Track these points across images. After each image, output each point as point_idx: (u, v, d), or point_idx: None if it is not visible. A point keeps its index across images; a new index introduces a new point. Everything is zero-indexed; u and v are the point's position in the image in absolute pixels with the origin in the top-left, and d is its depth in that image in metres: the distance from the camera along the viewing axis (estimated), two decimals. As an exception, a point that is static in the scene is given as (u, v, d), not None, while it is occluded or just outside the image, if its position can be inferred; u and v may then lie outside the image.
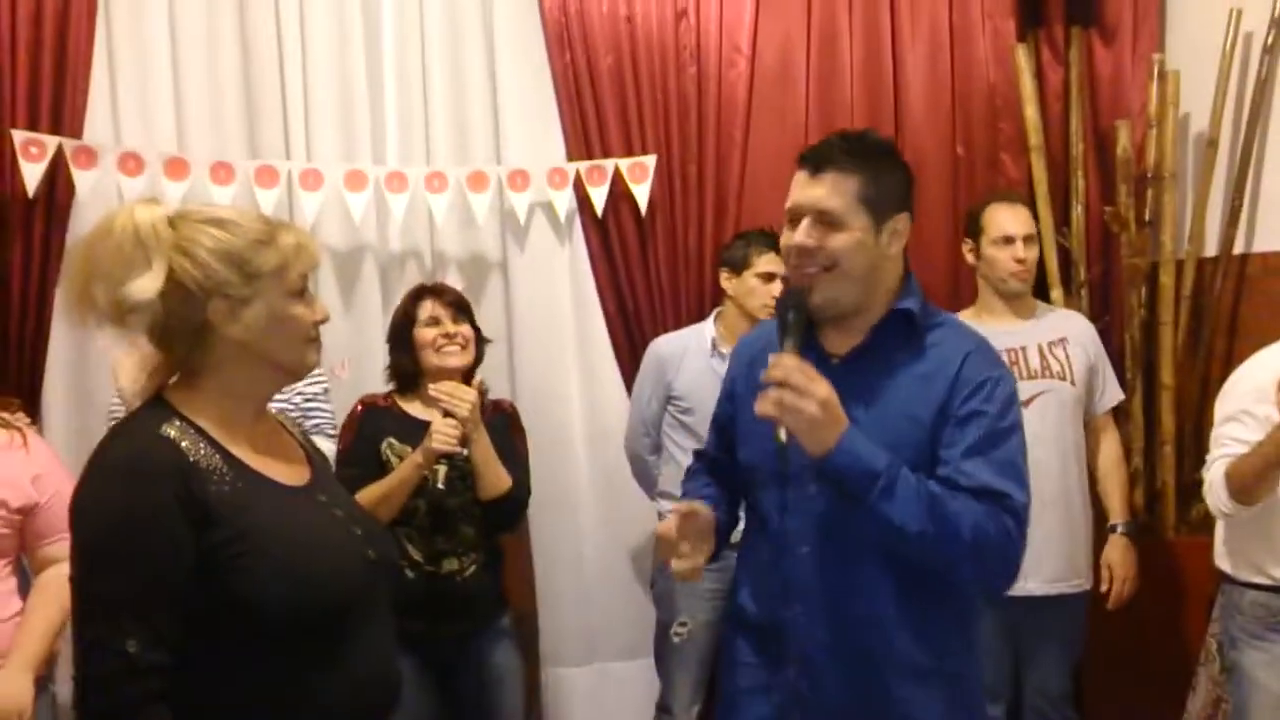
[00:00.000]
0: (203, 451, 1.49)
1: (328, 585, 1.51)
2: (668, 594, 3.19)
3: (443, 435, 2.57)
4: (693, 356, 3.18)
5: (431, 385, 2.66)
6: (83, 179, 3.09)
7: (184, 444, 1.48)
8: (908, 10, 3.67)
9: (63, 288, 1.54)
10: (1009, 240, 3.00)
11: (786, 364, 1.65)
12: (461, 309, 2.82)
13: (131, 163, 3.15)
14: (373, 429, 2.75)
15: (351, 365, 3.34)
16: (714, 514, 1.87)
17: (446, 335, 2.75)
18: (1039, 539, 2.83)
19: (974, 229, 3.08)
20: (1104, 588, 3.03)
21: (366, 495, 2.61)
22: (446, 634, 2.71)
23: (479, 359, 2.85)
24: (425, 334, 2.76)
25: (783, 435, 1.65)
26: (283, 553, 1.48)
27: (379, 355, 3.45)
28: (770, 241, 3.15)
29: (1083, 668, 3.13)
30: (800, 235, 1.78)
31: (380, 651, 1.61)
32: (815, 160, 1.81)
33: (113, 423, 2.42)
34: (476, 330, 2.84)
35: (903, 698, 1.77)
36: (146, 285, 1.44)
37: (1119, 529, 3.06)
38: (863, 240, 1.78)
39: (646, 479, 3.35)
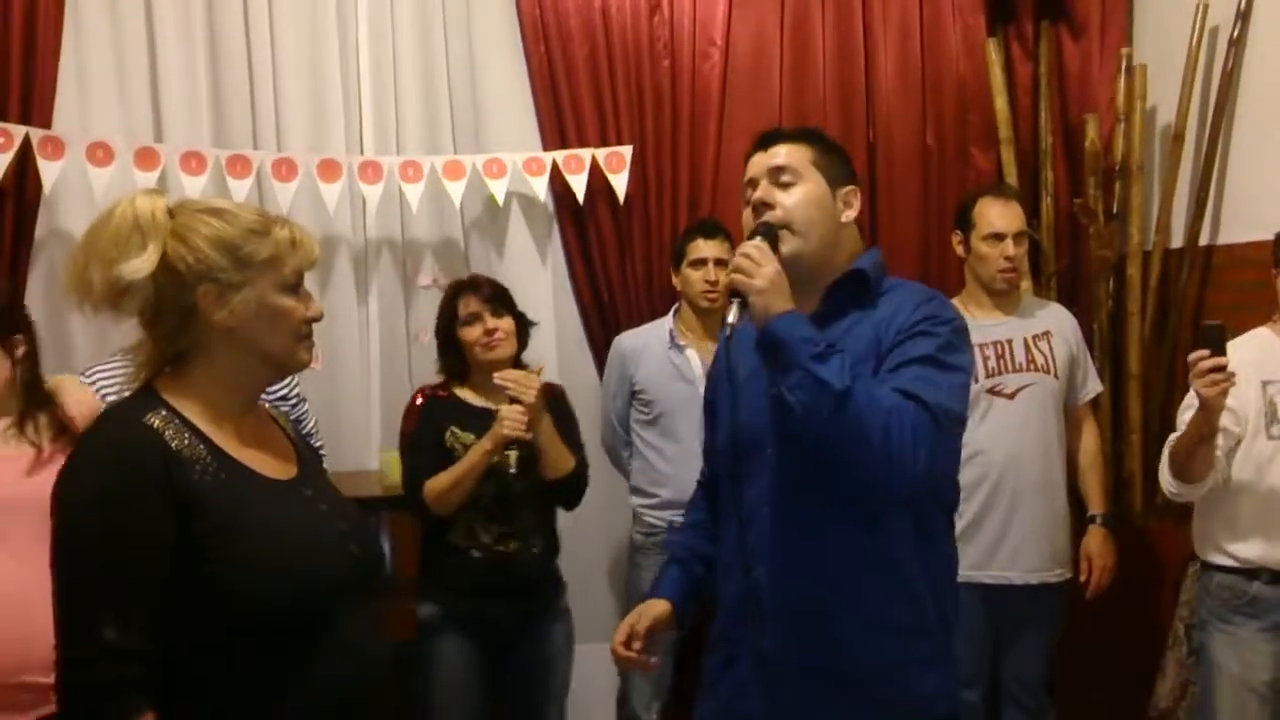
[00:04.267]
0: (186, 441, 1.48)
1: (306, 579, 1.50)
2: (638, 585, 3.21)
3: (513, 421, 2.63)
4: (653, 350, 3.24)
5: (496, 374, 2.70)
6: (50, 169, 3.05)
7: (167, 433, 1.48)
8: (879, 4, 3.70)
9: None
10: (999, 237, 3.00)
11: (746, 247, 1.76)
12: (500, 300, 2.84)
13: (100, 152, 3.11)
14: (435, 418, 2.80)
15: (325, 355, 3.34)
16: (668, 616, 1.99)
17: (488, 331, 2.79)
18: (1021, 529, 2.92)
19: (964, 222, 3.07)
20: (1083, 578, 3.06)
21: (436, 482, 2.69)
22: (509, 614, 2.76)
23: (524, 344, 2.89)
24: (469, 333, 2.80)
25: (732, 316, 1.74)
26: (262, 545, 1.48)
27: (353, 345, 3.47)
28: (701, 229, 3.24)
29: (1053, 652, 3.17)
30: (760, 191, 1.86)
31: (362, 647, 1.60)
32: (764, 140, 1.93)
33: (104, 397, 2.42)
34: (519, 316, 2.87)
35: (866, 654, 1.78)
36: (139, 265, 1.46)
37: (1098, 519, 3.10)
38: (820, 195, 1.86)
39: (623, 472, 3.39)
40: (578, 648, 3.00)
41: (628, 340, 3.31)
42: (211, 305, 1.51)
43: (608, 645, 3.42)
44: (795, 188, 1.85)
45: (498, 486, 2.72)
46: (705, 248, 3.19)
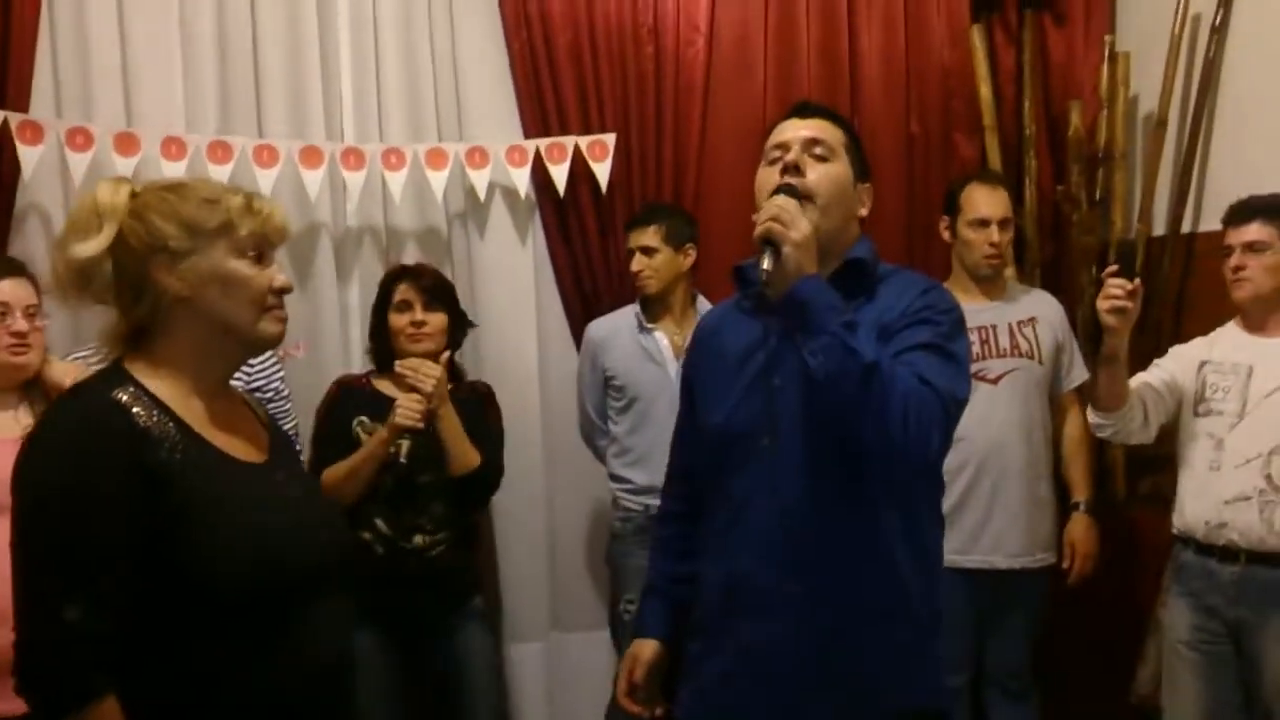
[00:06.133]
0: (155, 419, 1.47)
1: (273, 562, 1.48)
2: (618, 571, 3.21)
3: (406, 410, 2.61)
4: (622, 336, 3.25)
5: (397, 362, 2.69)
6: (29, 154, 3.01)
7: (135, 409, 1.46)
8: (865, -10, 3.69)
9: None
10: (984, 223, 3.01)
11: (781, 200, 1.73)
12: (435, 294, 2.82)
13: (80, 138, 3.07)
14: (345, 408, 2.78)
15: (308, 345, 3.31)
16: (660, 655, 2.02)
17: (415, 323, 2.77)
18: (1005, 514, 2.94)
19: (951, 207, 3.09)
20: (1065, 564, 3.08)
21: (334, 471, 2.66)
22: (413, 609, 2.72)
23: (455, 344, 2.87)
24: (396, 320, 2.79)
25: (766, 263, 1.68)
26: (230, 526, 1.46)
27: (334, 334, 3.44)
28: (634, 220, 3.28)
29: (1036, 637, 3.18)
30: (793, 154, 1.83)
31: (332, 633, 1.58)
32: (803, 108, 1.92)
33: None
34: (456, 314, 2.85)
35: (856, 645, 1.77)
36: (90, 245, 1.49)
37: (1081, 506, 3.11)
38: (847, 180, 1.86)
39: (602, 461, 3.39)
40: (564, 637, 3.02)
41: (596, 328, 3.32)
42: (164, 275, 1.51)
43: (591, 635, 3.51)
44: (828, 163, 1.85)
45: (396, 478, 2.69)
46: (631, 238, 3.23)
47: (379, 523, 2.70)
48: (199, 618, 1.44)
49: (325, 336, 3.43)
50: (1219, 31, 3.30)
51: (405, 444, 2.65)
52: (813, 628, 1.77)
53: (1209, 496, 2.62)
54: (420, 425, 2.63)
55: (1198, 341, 2.80)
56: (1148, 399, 2.68)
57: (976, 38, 3.58)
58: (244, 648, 1.46)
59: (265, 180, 3.23)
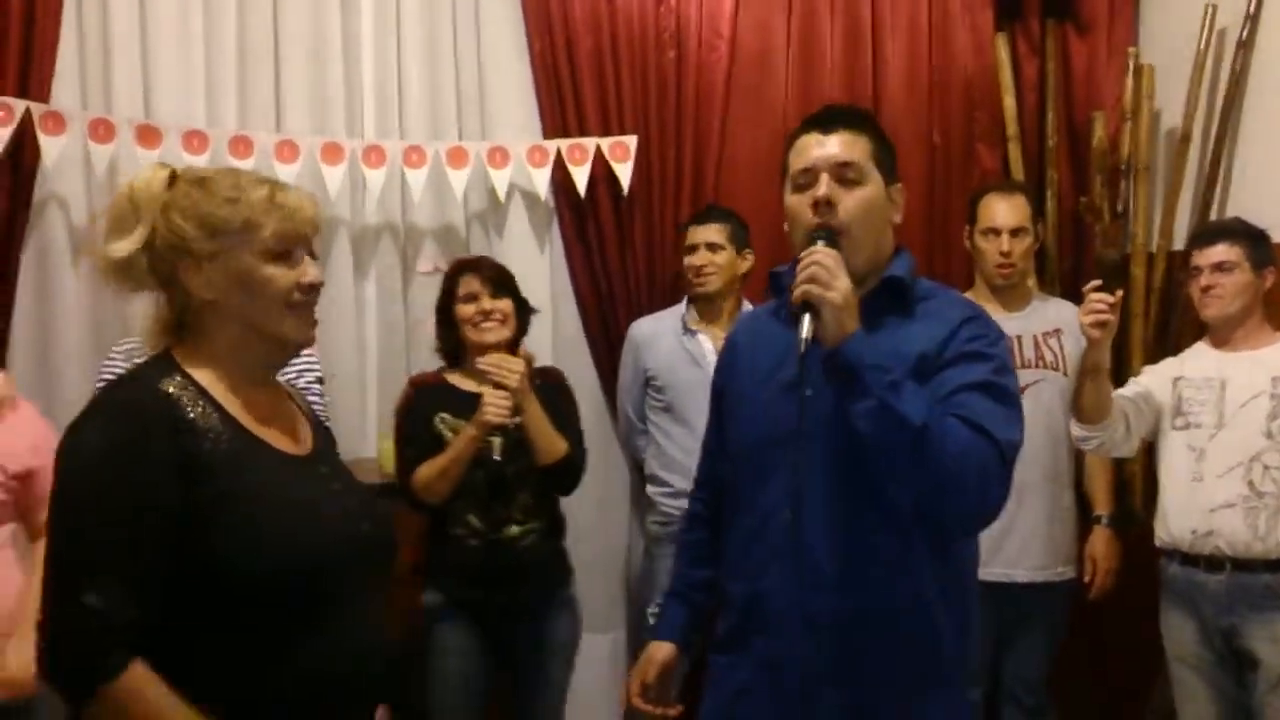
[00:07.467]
0: (201, 409, 1.46)
1: (312, 554, 1.46)
2: (647, 575, 3.19)
3: (494, 407, 2.60)
4: (666, 336, 3.24)
5: (479, 359, 2.69)
6: (50, 145, 3.00)
7: (183, 399, 1.45)
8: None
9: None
10: (995, 232, 3.00)
11: (819, 255, 1.65)
12: (499, 283, 2.81)
13: (102, 129, 3.07)
14: (425, 407, 2.78)
15: (322, 340, 3.29)
16: (674, 658, 2.00)
17: (483, 311, 2.76)
18: (1026, 527, 2.92)
19: (971, 216, 3.09)
20: (1086, 578, 3.06)
21: (425, 471, 2.67)
22: (508, 601, 2.74)
23: (524, 330, 2.87)
24: (463, 310, 2.78)
25: (806, 331, 1.62)
26: (269, 517, 1.44)
27: (350, 330, 3.43)
28: (695, 216, 3.28)
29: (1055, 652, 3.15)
30: (824, 188, 1.75)
31: (368, 627, 1.56)
32: (824, 121, 1.81)
33: (101, 385, 2.40)
34: (519, 301, 2.85)
35: (878, 665, 1.73)
36: (122, 245, 1.47)
37: (1103, 520, 3.10)
38: (879, 200, 1.79)
39: (639, 462, 3.39)
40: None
41: (640, 327, 3.31)
42: (191, 278, 1.49)
43: (606, 637, 3.49)
44: (859, 189, 1.76)
45: (488, 473, 2.69)
46: (696, 233, 3.21)
47: (472, 518, 2.71)
48: (235, 608, 1.42)
49: (340, 332, 3.42)
50: (1245, 46, 3.28)
51: (498, 441, 2.66)
52: (832, 647, 1.73)
53: (1194, 507, 2.66)
54: (510, 421, 2.63)
55: (1169, 360, 2.91)
56: (1129, 412, 2.71)
57: (1002, 47, 3.57)
58: (276, 637, 1.44)
59: (286, 176, 3.20)
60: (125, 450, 1.39)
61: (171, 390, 1.45)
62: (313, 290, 1.54)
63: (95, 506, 1.38)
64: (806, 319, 1.63)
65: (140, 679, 1.36)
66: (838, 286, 1.61)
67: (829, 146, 1.78)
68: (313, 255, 1.56)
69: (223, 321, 1.51)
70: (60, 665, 1.37)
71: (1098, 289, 2.48)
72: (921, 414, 1.58)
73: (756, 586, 1.80)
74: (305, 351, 2.87)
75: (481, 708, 2.78)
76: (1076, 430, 2.73)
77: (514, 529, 2.72)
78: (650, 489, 3.26)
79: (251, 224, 1.48)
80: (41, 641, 1.38)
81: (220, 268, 1.48)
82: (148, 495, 1.38)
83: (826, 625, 1.73)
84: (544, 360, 3.53)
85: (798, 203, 1.79)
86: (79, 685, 1.36)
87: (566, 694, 2.88)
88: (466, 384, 2.78)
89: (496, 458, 2.66)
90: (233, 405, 1.50)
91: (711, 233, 3.18)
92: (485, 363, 2.65)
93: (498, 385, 2.62)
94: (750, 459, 1.86)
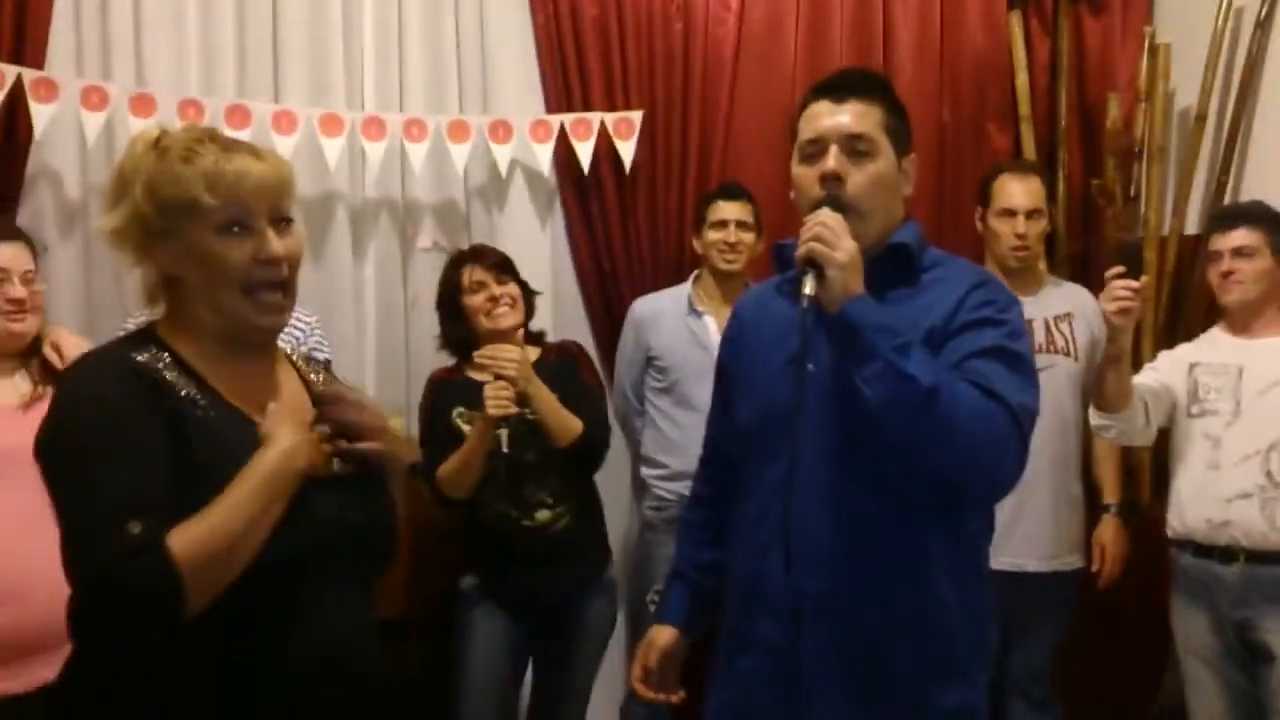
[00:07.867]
0: (180, 379, 1.40)
1: (286, 538, 1.37)
2: (645, 559, 3.14)
3: (495, 400, 2.58)
4: (669, 316, 3.18)
5: (475, 353, 2.67)
6: (42, 112, 2.94)
7: (159, 366, 1.39)
8: (899, -26, 3.61)
9: None
10: (1011, 213, 2.94)
11: (824, 216, 1.61)
12: (504, 268, 2.79)
13: (95, 97, 3.01)
14: (442, 402, 2.77)
15: (322, 317, 3.23)
16: (677, 642, 1.96)
17: (493, 298, 2.74)
18: (1034, 515, 2.87)
19: (984, 197, 3.03)
20: (1094, 567, 3.02)
21: (445, 468, 2.66)
22: (542, 585, 2.73)
23: (530, 314, 2.85)
24: (473, 301, 2.75)
25: (809, 288, 1.58)
26: None
27: (348, 306, 3.37)
28: (722, 191, 3.20)
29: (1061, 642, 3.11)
30: (833, 161, 1.69)
31: (349, 615, 1.48)
32: (836, 88, 1.75)
33: None
34: (523, 285, 2.82)
35: (888, 654, 1.68)
36: (109, 219, 1.42)
37: (1112, 509, 3.06)
38: (890, 173, 1.73)
39: (634, 442, 3.34)
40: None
41: (643, 306, 3.24)
42: (158, 254, 1.42)
43: None
44: (869, 162, 1.70)
45: (506, 463, 2.68)
46: (727, 209, 3.13)
47: (499, 507, 2.70)
48: None
49: (339, 308, 3.36)
50: (1263, 26, 3.22)
51: (504, 433, 2.63)
52: (835, 631, 1.68)
53: (1209, 496, 2.62)
54: (513, 411, 2.60)
55: (1184, 346, 2.84)
56: (1149, 400, 2.66)
57: (1015, 25, 3.51)
58: (248, 627, 1.37)
59: (283, 147, 3.13)
60: (122, 400, 1.34)
61: (143, 359, 1.39)
62: (272, 265, 1.41)
63: (104, 450, 1.31)
64: (810, 277, 1.58)
65: (180, 540, 1.28)
66: (843, 246, 1.58)
67: (840, 116, 1.72)
68: (285, 221, 1.44)
69: (193, 297, 1.43)
70: (130, 597, 1.27)
71: (1120, 275, 2.42)
72: (931, 376, 1.53)
73: (759, 564, 1.75)
74: (316, 329, 2.87)
75: (510, 693, 2.79)
76: (1096, 419, 2.68)
77: (544, 513, 2.71)
78: (645, 471, 3.22)
79: (195, 197, 1.37)
80: (99, 590, 1.28)
81: (176, 245, 1.40)
82: (150, 438, 1.33)
83: (828, 609, 1.68)
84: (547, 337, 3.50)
85: (805, 174, 1.74)
86: (164, 602, 1.27)
87: (595, 675, 2.88)
88: (482, 375, 2.74)
89: (505, 450, 2.64)
90: (212, 375, 1.43)
91: (745, 211, 3.12)
92: (481, 355, 2.64)
93: (498, 377, 2.60)
94: (754, 436, 1.81)
